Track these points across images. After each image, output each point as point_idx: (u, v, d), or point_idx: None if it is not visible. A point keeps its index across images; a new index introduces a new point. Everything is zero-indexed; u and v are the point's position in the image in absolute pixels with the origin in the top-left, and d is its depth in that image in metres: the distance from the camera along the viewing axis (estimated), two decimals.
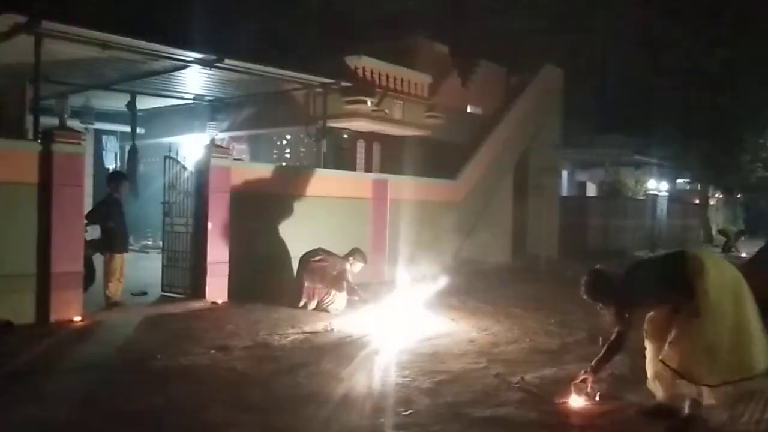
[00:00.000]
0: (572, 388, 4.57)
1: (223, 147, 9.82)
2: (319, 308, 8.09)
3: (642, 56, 22.68)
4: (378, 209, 11.10)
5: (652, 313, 4.35)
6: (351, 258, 8.47)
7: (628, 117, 23.55)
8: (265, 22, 14.88)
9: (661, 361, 4.15)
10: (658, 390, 4.29)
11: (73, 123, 11.72)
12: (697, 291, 3.99)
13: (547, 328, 7.43)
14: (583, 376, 4.53)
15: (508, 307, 8.80)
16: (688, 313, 4.02)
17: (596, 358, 4.50)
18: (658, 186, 24.19)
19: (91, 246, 7.96)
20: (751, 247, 17.84)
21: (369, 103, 11.95)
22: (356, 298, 8.30)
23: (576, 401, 4.53)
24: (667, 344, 4.12)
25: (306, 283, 8.26)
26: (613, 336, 4.41)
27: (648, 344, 4.37)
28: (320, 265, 8.29)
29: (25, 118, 10.50)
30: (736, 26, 20.99)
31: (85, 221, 7.67)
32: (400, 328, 7.10)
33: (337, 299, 8.17)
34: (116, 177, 8.64)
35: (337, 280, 8.22)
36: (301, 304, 8.20)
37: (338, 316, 7.81)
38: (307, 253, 8.51)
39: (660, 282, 4.21)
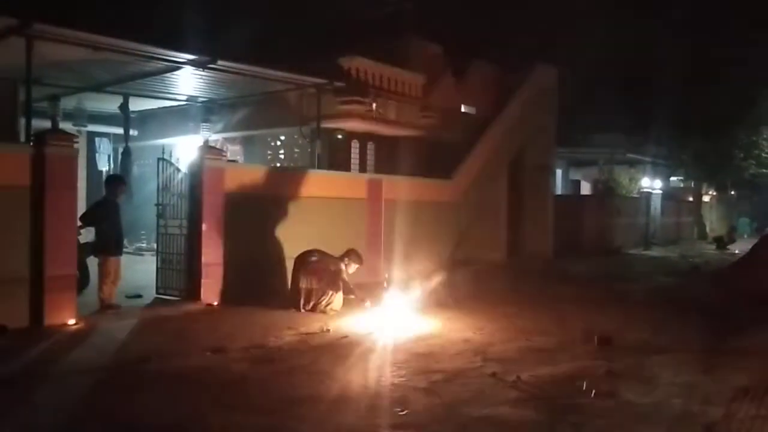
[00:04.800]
0: None
1: (216, 148, 9.81)
2: (317, 310, 8.07)
3: (635, 54, 22.73)
4: (373, 209, 11.09)
5: None
6: (346, 259, 8.46)
7: (621, 115, 23.60)
8: (258, 23, 14.84)
9: None
10: None
11: (66, 125, 11.67)
12: None
13: (542, 327, 7.43)
14: None
15: (503, 305, 8.80)
16: None
17: None
18: (651, 184, 24.27)
19: (86, 248, 7.93)
20: (746, 244, 17.92)
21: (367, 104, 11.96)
22: (352, 296, 8.29)
23: None
24: None
25: (302, 284, 8.24)
26: None
27: None
28: (317, 266, 8.27)
29: (17, 120, 10.45)
30: (729, 24, 21.07)
31: (80, 223, 7.63)
32: (396, 328, 7.10)
33: (335, 300, 8.16)
34: (114, 180, 8.60)
35: (333, 281, 8.21)
36: (297, 305, 8.18)
37: (334, 316, 7.80)
38: (302, 254, 8.48)
39: None
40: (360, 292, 8.39)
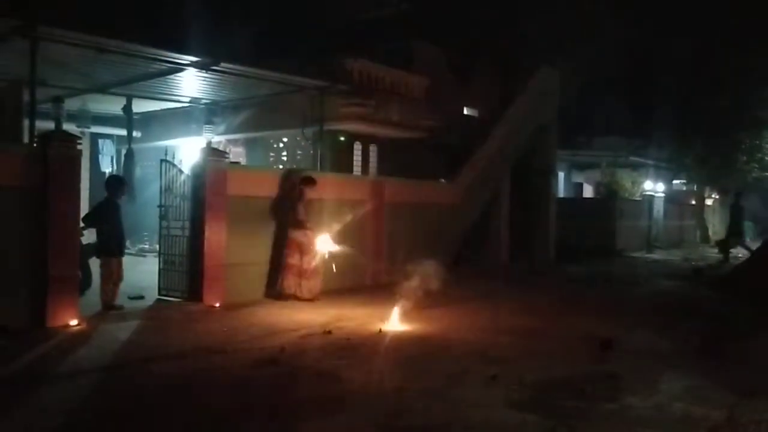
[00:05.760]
0: None
1: (219, 150, 9.81)
2: (285, 296, 8.57)
3: (638, 57, 22.73)
4: (375, 211, 11.09)
5: None
6: (300, 187, 8.92)
7: (624, 118, 23.60)
8: (261, 25, 14.89)
9: None
10: None
11: (69, 126, 11.71)
12: None
13: (543, 329, 7.43)
14: None
15: (506, 308, 8.79)
16: None
17: None
18: (654, 187, 24.22)
19: (88, 249, 7.94)
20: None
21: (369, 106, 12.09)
22: (307, 230, 8.83)
23: None
24: None
25: (290, 260, 8.73)
26: None
27: None
28: (289, 233, 8.84)
29: (21, 121, 10.48)
30: (732, 27, 21.04)
31: (82, 224, 7.65)
32: (398, 330, 7.10)
33: (291, 282, 8.71)
34: (116, 181, 8.62)
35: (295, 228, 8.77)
36: (279, 282, 8.74)
37: (336, 320, 7.79)
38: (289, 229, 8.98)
39: None
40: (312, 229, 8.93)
